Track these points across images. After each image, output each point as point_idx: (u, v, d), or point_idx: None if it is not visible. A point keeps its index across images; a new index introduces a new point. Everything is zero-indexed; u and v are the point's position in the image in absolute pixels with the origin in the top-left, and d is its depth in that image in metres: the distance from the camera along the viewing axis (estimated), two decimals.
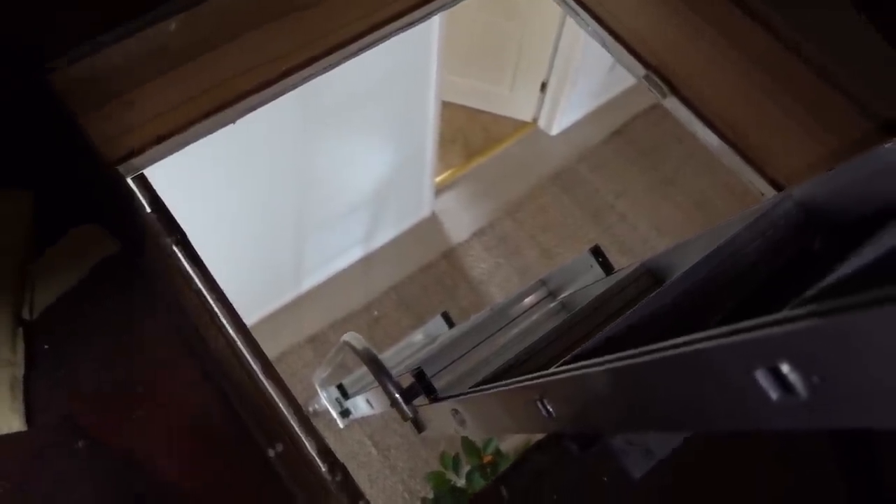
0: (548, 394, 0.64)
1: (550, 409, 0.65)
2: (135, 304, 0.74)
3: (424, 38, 2.34)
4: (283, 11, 1.03)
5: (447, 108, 3.44)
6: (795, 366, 0.37)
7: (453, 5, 1.24)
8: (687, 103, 1.15)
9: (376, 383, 1.48)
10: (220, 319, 0.75)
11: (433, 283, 3.18)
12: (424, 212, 3.26)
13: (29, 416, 0.68)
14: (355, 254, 3.17)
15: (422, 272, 3.23)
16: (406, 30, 1.19)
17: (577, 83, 3.09)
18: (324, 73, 1.14)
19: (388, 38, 1.18)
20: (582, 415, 0.62)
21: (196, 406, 0.70)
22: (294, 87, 1.11)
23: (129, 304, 0.74)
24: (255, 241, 2.59)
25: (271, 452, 0.70)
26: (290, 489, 0.68)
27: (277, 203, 2.51)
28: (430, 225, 3.32)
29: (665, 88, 1.15)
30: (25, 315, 0.72)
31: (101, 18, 0.86)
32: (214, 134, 1.10)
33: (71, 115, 0.85)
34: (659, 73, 1.16)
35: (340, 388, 1.90)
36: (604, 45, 1.21)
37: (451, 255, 3.26)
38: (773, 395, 0.39)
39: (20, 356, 0.70)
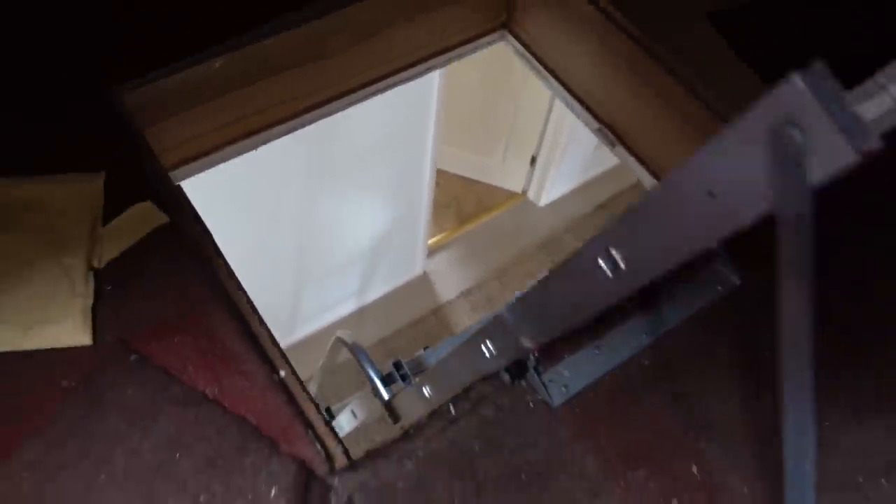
0: (488, 333, 0.85)
1: (491, 348, 0.86)
2: (177, 261, 0.96)
3: (423, 107, 2.63)
4: (307, 59, 1.29)
5: (444, 175, 3.72)
6: (618, 249, 0.59)
7: (444, 65, 1.51)
8: (632, 152, 1.40)
9: (358, 394, 1.69)
10: (235, 276, 0.97)
11: (421, 336, 3.37)
12: (417, 270, 3.49)
13: (94, 336, 0.89)
14: (349, 306, 3.37)
15: (411, 327, 3.43)
16: (405, 82, 1.45)
17: (564, 158, 3.38)
18: (336, 111, 1.39)
19: (391, 88, 1.44)
20: (513, 345, 0.83)
21: (221, 335, 0.91)
22: (311, 122, 1.36)
23: (172, 261, 0.96)
24: (255, 284, 2.80)
25: (275, 377, 0.90)
26: (292, 401, 0.88)
27: (279, 248, 2.73)
28: (422, 283, 3.54)
29: (614, 139, 1.40)
30: (95, 264, 0.94)
31: (163, 52, 1.12)
32: (226, 175, 1.34)
33: (136, 126, 1.09)
34: (610, 127, 1.41)
35: (328, 411, 2.08)
36: (565, 102, 1.47)
37: (439, 312, 3.46)
38: (609, 272, 0.61)
39: (90, 291, 0.91)
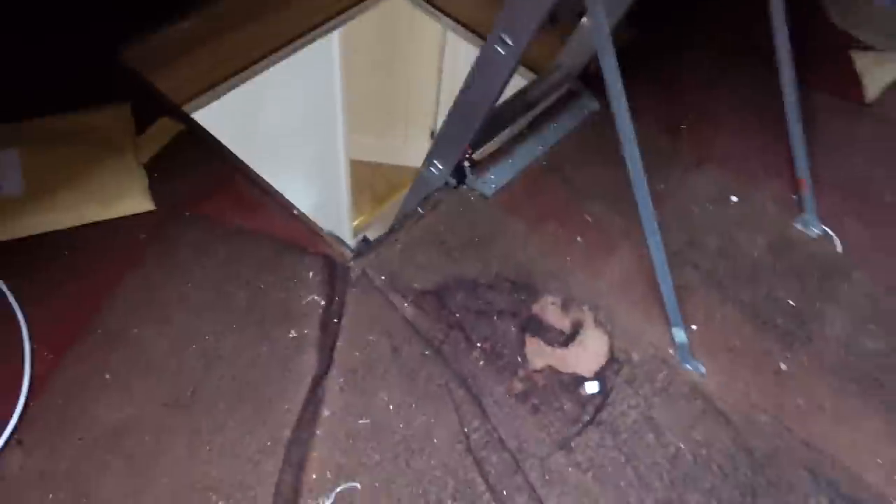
0: (434, 154, 1.25)
1: (438, 165, 1.26)
2: (197, 153, 1.31)
3: (330, 97, 3.00)
4: (247, 20, 1.66)
5: (354, 164, 4.10)
6: (504, 32, 1.01)
7: (353, 18, 1.91)
8: None
9: None
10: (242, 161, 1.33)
11: None
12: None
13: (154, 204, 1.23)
14: None
15: None
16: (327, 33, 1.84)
17: None
18: (270, 66, 1.76)
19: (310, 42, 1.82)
20: (454, 156, 1.23)
21: (246, 193, 1.26)
22: (262, 70, 1.72)
23: (194, 153, 1.31)
24: None
25: (294, 212, 1.26)
26: (308, 226, 1.24)
27: None
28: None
29: None
30: (141, 160, 1.28)
31: (154, 12, 1.46)
32: None
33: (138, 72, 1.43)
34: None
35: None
36: (455, 31, 1.89)
37: None
38: (502, 50, 1.02)
39: (144, 176, 1.25)
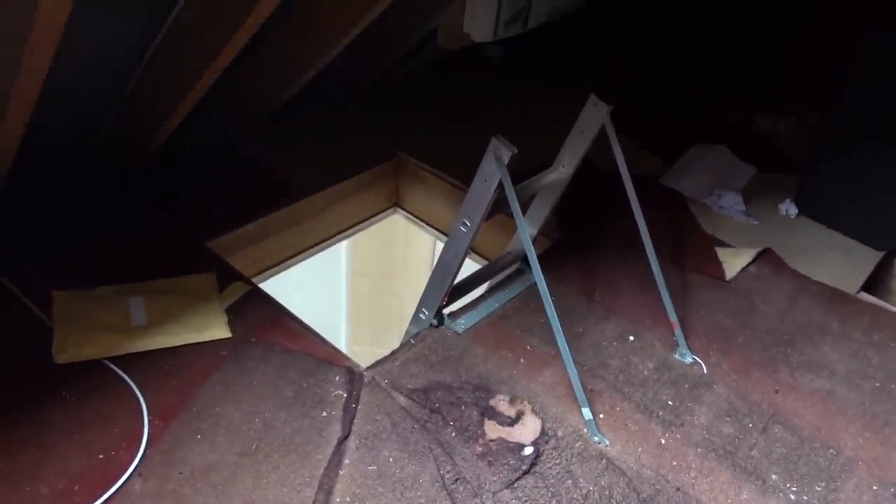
0: (422, 305, 1.88)
1: (425, 311, 1.88)
2: (258, 303, 1.92)
3: (336, 303, 3.68)
4: (299, 221, 2.36)
5: None
6: (465, 217, 1.68)
7: (365, 228, 2.63)
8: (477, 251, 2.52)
9: None
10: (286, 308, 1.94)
11: None
12: None
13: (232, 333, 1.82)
14: None
15: None
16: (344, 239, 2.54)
17: None
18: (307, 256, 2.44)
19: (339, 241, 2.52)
20: (435, 307, 1.86)
21: (290, 327, 1.86)
22: (296, 263, 2.40)
23: (257, 304, 1.92)
24: None
25: (320, 338, 1.84)
26: (333, 347, 1.82)
27: None
28: None
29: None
30: (223, 307, 1.88)
31: (228, 223, 2.15)
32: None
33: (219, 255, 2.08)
34: None
35: None
36: (437, 238, 2.61)
37: None
38: (464, 228, 1.70)
39: (225, 317, 1.85)
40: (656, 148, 2.84)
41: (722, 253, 2.32)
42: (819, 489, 1.63)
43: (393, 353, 1.85)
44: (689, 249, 2.33)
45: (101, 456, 1.50)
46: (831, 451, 1.72)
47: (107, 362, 1.71)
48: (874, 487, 1.65)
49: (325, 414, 1.66)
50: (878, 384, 1.93)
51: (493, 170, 1.59)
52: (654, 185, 2.64)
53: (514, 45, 2.83)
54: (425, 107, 2.97)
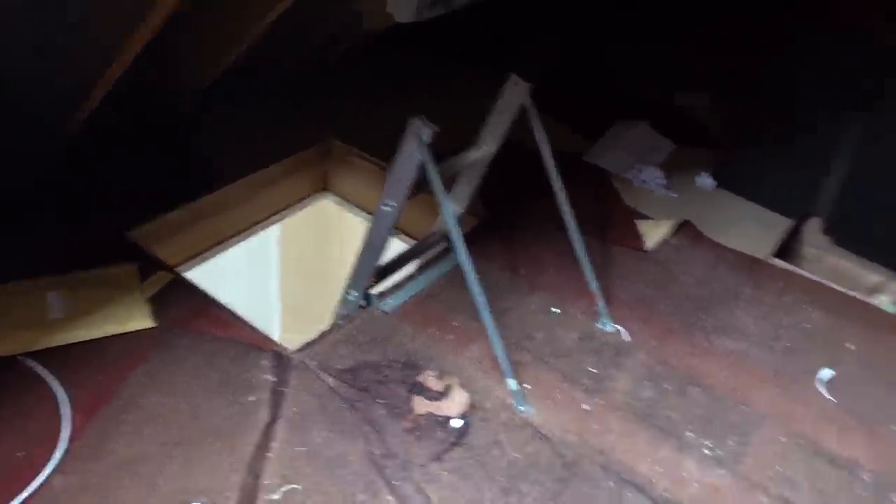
0: (350, 284, 1.89)
1: (355, 293, 1.89)
2: (182, 292, 1.91)
3: (266, 292, 3.64)
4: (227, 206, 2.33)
5: None
6: (388, 199, 1.70)
7: (292, 214, 2.61)
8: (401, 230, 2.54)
9: None
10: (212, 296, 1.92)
11: None
12: None
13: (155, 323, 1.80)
14: None
15: None
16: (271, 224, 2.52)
17: None
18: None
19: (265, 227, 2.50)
20: (363, 287, 1.87)
21: (216, 315, 1.85)
22: (225, 249, 2.37)
23: (181, 292, 1.90)
24: None
25: (246, 324, 1.84)
26: (259, 334, 1.82)
27: None
28: None
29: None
30: (144, 296, 1.86)
31: (149, 208, 2.12)
32: None
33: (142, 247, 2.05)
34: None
35: None
36: (366, 219, 2.61)
37: None
38: (388, 208, 1.71)
39: (148, 306, 1.83)
40: (580, 126, 2.90)
41: (642, 225, 2.40)
42: (731, 443, 1.72)
43: (321, 335, 1.86)
44: (612, 223, 2.40)
45: (19, 454, 1.47)
46: (743, 407, 1.82)
47: (24, 358, 1.67)
48: (782, 439, 1.75)
49: (253, 399, 1.66)
50: (787, 344, 2.04)
51: (413, 150, 1.61)
52: (577, 162, 2.70)
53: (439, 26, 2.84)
54: (354, 91, 2.97)
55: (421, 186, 1.73)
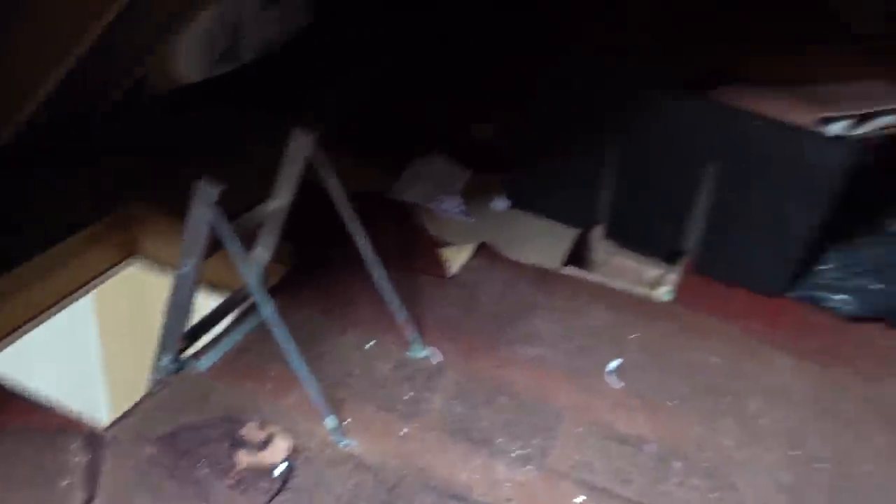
0: (160, 350, 1.90)
1: (166, 360, 1.90)
2: None
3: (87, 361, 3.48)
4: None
5: None
6: (186, 257, 1.74)
7: (101, 284, 2.55)
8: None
9: None
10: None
11: None
12: None
13: None
14: None
15: None
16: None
17: None
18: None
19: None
20: (174, 351, 1.88)
21: (24, 407, 1.78)
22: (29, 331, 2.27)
23: None
24: None
25: (51, 408, 1.80)
26: (70, 419, 1.78)
27: None
28: None
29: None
30: None
31: None
32: None
33: None
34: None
35: None
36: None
37: None
38: (186, 268, 1.75)
39: None
40: (384, 164, 3.06)
41: (445, 252, 2.59)
42: (537, 442, 1.91)
43: (135, 405, 1.85)
44: (417, 253, 2.57)
45: None
46: (544, 407, 2.02)
47: None
48: (580, 429, 1.97)
49: (66, 482, 1.62)
50: (579, 343, 2.28)
51: (202, 210, 1.67)
52: (382, 199, 2.85)
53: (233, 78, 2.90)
54: (156, 150, 2.93)
55: (218, 243, 1.78)
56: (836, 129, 2.27)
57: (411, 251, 2.58)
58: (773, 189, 2.40)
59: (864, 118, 2.29)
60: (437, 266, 2.52)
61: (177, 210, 2.60)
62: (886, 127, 2.31)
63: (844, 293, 2.55)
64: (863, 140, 2.32)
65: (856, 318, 2.50)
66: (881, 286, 2.54)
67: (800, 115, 2.27)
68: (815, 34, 2.83)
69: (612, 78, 2.56)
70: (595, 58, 2.58)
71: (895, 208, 2.82)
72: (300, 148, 1.95)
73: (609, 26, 2.65)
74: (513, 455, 1.86)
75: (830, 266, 2.63)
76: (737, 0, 3.05)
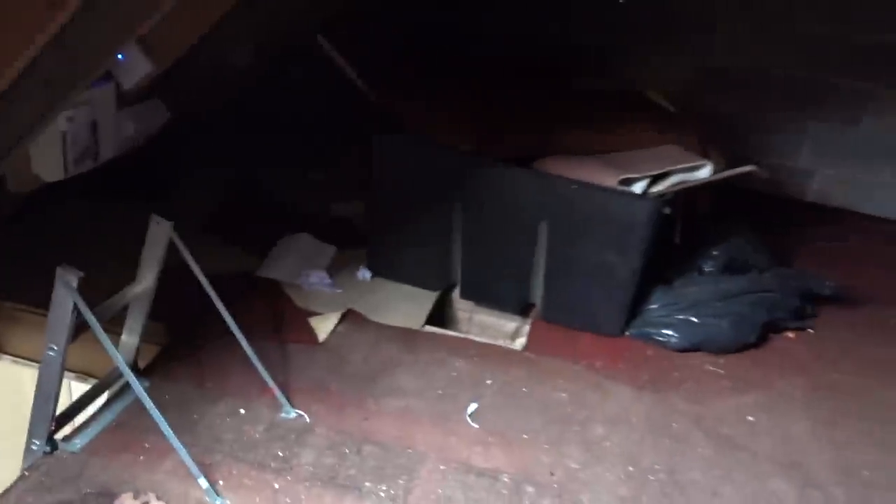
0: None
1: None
2: None
3: None
4: None
5: None
6: (52, 343, 1.84)
7: None
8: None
9: None
10: None
11: None
12: None
13: None
14: None
15: None
16: None
17: None
18: None
19: None
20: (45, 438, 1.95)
21: None
22: None
23: None
24: None
25: None
26: None
27: None
28: None
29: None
30: None
31: None
32: None
33: None
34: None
35: None
36: None
37: None
38: (52, 354, 1.85)
39: None
40: (251, 246, 3.23)
41: (314, 321, 2.77)
42: (402, 482, 2.09)
43: (5, 492, 1.89)
44: (287, 324, 2.74)
45: None
46: (409, 451, 2.21)
47: None
48: (441, 467, 2.17)
49: None
50: (440, 391, 2.51)
51: (63, 296, 1.79)
52: (251, 278, 3.01)
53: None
54: (19, 247, 2.97)
55: (82, 328, 1.89)
56: (637, 188, 2.68)
57: (280, 323, 2.75)
58: (595, 242, 2.76)
59: (659, 177, 2.72)
60: (307, 334, 2.69)
61: (43, 304, 2.66)
62: (678, 183, 2.74)
63: (670, 329, 2.92)
64: (663, 195, 2.74)
65: (681, 350, 2.87)
66: (697, 320, 2.93)
67: (607, 178, 2.66)
68: (625, 112, 3.31)
69: (443, 155, 2.89)
70: (423, 136, 2.90)
71: (707, 251, 3.27)
72: (160, 234, 2.12)
73: (432, 106, 3.02)
74: (381, 495, 2.03)
75: (656, 305, 3.01)
76: (561, 90, 3.51)
